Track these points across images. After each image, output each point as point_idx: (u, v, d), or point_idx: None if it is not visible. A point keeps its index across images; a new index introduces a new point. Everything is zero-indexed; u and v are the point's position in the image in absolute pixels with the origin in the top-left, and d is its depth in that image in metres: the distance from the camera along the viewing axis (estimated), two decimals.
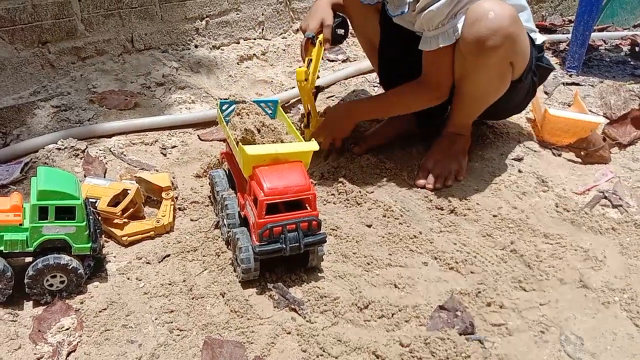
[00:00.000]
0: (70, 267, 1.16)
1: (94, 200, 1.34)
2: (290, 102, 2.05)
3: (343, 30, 1.73)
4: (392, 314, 1.13)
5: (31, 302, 1.16)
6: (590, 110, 1.92)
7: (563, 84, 2.28)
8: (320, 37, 1.60)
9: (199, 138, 1.84)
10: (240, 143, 1.19)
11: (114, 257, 1.31)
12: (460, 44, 1.41)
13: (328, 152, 1.69)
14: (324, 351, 1.05)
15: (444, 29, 1.41)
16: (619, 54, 2.70)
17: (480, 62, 1.41)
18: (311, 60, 1.57)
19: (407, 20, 1.51)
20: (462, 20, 1.39)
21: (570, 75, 2.37)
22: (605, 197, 1.51)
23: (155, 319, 1.13)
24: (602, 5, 2.63)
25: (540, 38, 1.60)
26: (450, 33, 1.41)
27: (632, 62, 2.57)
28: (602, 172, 1.63)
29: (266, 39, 2.48)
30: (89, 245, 1.18)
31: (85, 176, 1.54)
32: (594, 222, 1.42)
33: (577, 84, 2.28)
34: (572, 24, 2.57)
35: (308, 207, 1.19)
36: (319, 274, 1.25)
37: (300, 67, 1.57)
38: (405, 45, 1.54)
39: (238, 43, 2.41)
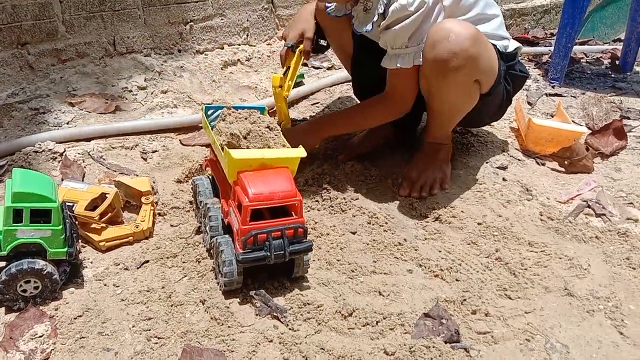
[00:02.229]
0: (45, 272, 1.12)
1: (71, 204, 1.30)
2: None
3: (326, 42, 1.74)
4: (377, 322, 1.11)
5: (3, 309, 1.12)
6: (573, 121, 1.93)
7: (546, 94, 2.31)
8: (301, 46, 1.61)
9: (181, 143, 1.81)
10: (225, 147, 1.17)
11: (91, 262, 1.27)
12: (423, 65, 1.41)
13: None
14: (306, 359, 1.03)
15: (405, 52, 1.41)
16: (599, 67, 2.74)
17: (444, 83, 1.41)
18: (289, 68, 1.58)
19: (373, 35, 1.51)
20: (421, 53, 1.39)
21: (553, 87, 2.39)
22: (589, 206, 1.51)
23: (133, 327, 1.09)
24: (584, 19, 2.67)
25: (512, 45, 1.59)
26: (410, 57, 1.41)
27: (612, 75, 2.61)
28: (586, 181, 1.63)
29: (251, 45, 2.47)
30: (65, 249, 1.14)
31: (62, 180, 1.50)
32: (577, 230, 1.42)
33: (560, 95, 2.30)
34: (554, 37, 2.61)
35: (294, 214, 1.16)
36: (302, 282, 1.22)
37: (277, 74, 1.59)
38: (377, 55, 1.52)
39: (222, 48, 2.39)
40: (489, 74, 1.47)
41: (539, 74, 2.54)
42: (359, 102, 1.96)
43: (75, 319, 1.11)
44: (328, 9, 1.62)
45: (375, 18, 1.43)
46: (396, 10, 1.36)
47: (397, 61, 1.42)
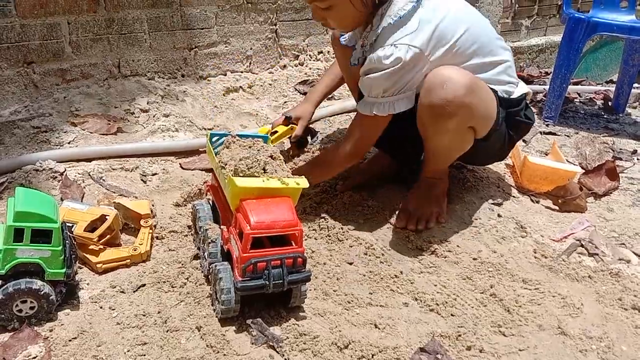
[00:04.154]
0: (42, 292, 1.12)
1: (70, 225, 1.31)
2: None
3: (312, 139, 1.92)
4: (372, 355, 1.11)
5: None
6: (567, 160, 1.97)
7: (540, 133, 2.35)
8: (294, 133, 1.79)
9: (181, 167, 1.82)
10: (230, 175, 1.18)
11: (87, 284, 1.27)
12: (419, 108, 1.42)
13: None
14: None
15: (380, 101, 1.41)
16: (592, 107, 2.80)
17: (436, 129, 1.43)
18: (277, 132, 1.74)
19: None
20: (401, 102, 1.41)
21: (547, 125, 2.44)
22: (582, 245, 1.54)
23: (127, 351, 1.09)
24: (578, 61, 2.74)
25: (520, 90, 1.58)
26: (385, 106, 1.41)
27: (605, 116, 2.67)
28: (579, 220, 1.66)
29: (253, 73, 2.51)
30: (63, 270, 1.14)
31: (62, 199, 1.51)
32: (571, 269, 1.44)
33: (554, 134, 2.35)
34: (549, 76, 2.67)
35: (293, 243, 1.17)
36: (298, 312, 1.22)
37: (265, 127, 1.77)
38: None
39: (225, 75, 2.43)
40: (484, 120, 1.46)
41: (534, 112, 2.59)
42: None
43: (69, 341, 1.10)
44: (342, 39, 1.66)
45: (359, 56, 1.49)
46: (372, 60, 1.38)
47: (372, 108, 1.43)
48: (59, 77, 2.02)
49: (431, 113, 1.40)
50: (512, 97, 1.55)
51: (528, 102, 1.65)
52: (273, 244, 1.16)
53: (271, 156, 1.27)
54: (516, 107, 1.57)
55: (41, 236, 1.12)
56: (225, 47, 2.40)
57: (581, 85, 3.19)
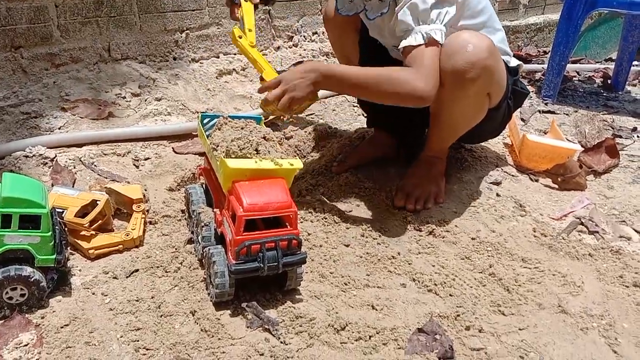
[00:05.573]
0: (33, 279, 1.09)
1: (60, 210, 1.28)
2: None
3: None
4: (370, 336, 1.10)
5: None
6: (566, 138, 1.94)
7: (539, 111, 2.32)
8: None
9: (174, 151, 1.79)
10: (221, 156, 1.15)
11: (79, 270, 1.25)
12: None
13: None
14: None
15: (431, 28, 1.33)
16: (592, 86, 2.77)
17: (458, 94, 1.41)
18: (242, 17, 1.51)
19: (386, 31, 1.49)
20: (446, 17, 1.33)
21: (546, 104, 2.41)
22: (582, 224, 1.51)
23: (121, 337, 1.07)
24: (577, 39, 2.70)
25: (514, 61, 1.61)
26: (438, 32, 1.33)
27: (604, 94, 2.64)
28: (579, 198, 1.64)
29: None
30: (54, 256, 1.12)
31: (52, 185, 1.48)
32: (571, 247, 1.41)
33: (553, 112, 2.32)
34: (547, 55, 2.63)
35: (288, 225, 1.15)
36: (294, 294, 1.20)
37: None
38: (384, 64, 1.51)
39: (218, 57, 2.38)
40: (500, 86, 1.47)
41: (532, 91, 2.56)
42: (363, 111, 1.94)
43: (61, 327, 1.08)
44: (339, 10, 1.55)
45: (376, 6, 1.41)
46: None
47: (423, 35, 1.32)
48: (48, 62, 1.98)
49: (453, 78, 1.36)
50: (511, 65, 1.56)
51: (521, 75, 1.65)
52: (267, 227, 1.14)
53: (264, 137, 1.24)
54: (515, 76, 1.58)
55: (30, 222, 1.09)
56: (218, 28, 2.35)
57: (580, 63, 3.15)
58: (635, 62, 2.75)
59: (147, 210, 1.45)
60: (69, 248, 1.26)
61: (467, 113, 1.49)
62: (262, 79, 1.44)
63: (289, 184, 1.19)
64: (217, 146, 1.20)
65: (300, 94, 1.33)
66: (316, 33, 2.67)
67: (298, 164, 1.19)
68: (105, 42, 2.09)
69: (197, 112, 2.01)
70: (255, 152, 1.18)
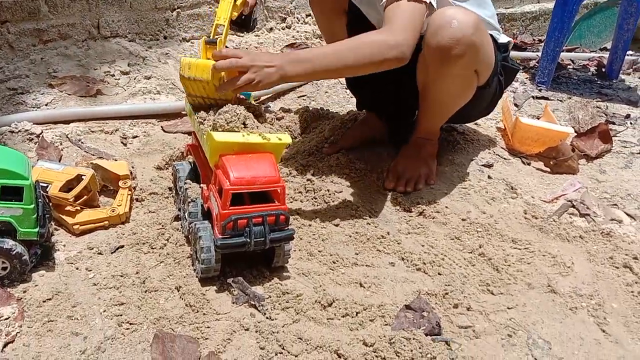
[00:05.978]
0: (14, 252, 1.07)
1: (45, 185, 1.26)
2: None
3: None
4: (357, 313, 1.08)
5: None
6: (559, 123, 1.93)
7: (533, 97, 2.31)
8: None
9: (163, 129, 1.77)
10: (209, 130, 1.13)
11: (64, 245, 1.22)
12: (424, 52, 1.38)
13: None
14: (283, 349, 0.99)
15: None
16: (586, 74, 2.76)
17: (444, 71, 1.38)
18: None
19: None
20: None
21: (540, 90, 2.40)
22: (573, 206, 1.51)
23: (104, 311, 1.05)
24: (572, 26, 2.68)
25: (504, 37, 1.58)
26: None
27: (598, 82, 2.63)
28: (570, 182, 1.63)
29: (238, 35, 2.43)
30: (36, 230, 1.09)
31: (38, 160, 1.45)
32: (561, 229, 1.41)
33: (547, 98, 2.31)
34: (542, 43, 2.61)
35: (276, 201, 1.13)
36: (282, 271, 1.19)
37: None
38: None
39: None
40: (487, 63, 1.45)
41: (527, 78, 2.55)
42: (351, 94, 1.91)
43: (44, 302, 1.06)
44: None
45: None
46: None
47: None
48: (36, 38, 1.94)
49: (439, 55, 1.34)
50: (500, 42, 1.54)
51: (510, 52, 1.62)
52: (255, 202, 1.12)
53: (254, 113, 1.21)
54: (505, 52, 1.56)
55: (12, 194, 1.07)
56: (209, 7, 2.32)
57: (575, 52, 3.14)
58: (629, 52, 2.74)
59: (134, 188, 1.42)
60: (52, 223, 1.24)
61: (455, 91, 1.46)
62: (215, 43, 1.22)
63: (278, 159, 1.17)
64: (204, 120, 1.18)
65: (265, 82, 1.19)
66: (309, 15, 2.64)
67: (287, 138, 1.17)
68: (95, 19, 2.05)
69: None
70: (243, 126, 1.16)
